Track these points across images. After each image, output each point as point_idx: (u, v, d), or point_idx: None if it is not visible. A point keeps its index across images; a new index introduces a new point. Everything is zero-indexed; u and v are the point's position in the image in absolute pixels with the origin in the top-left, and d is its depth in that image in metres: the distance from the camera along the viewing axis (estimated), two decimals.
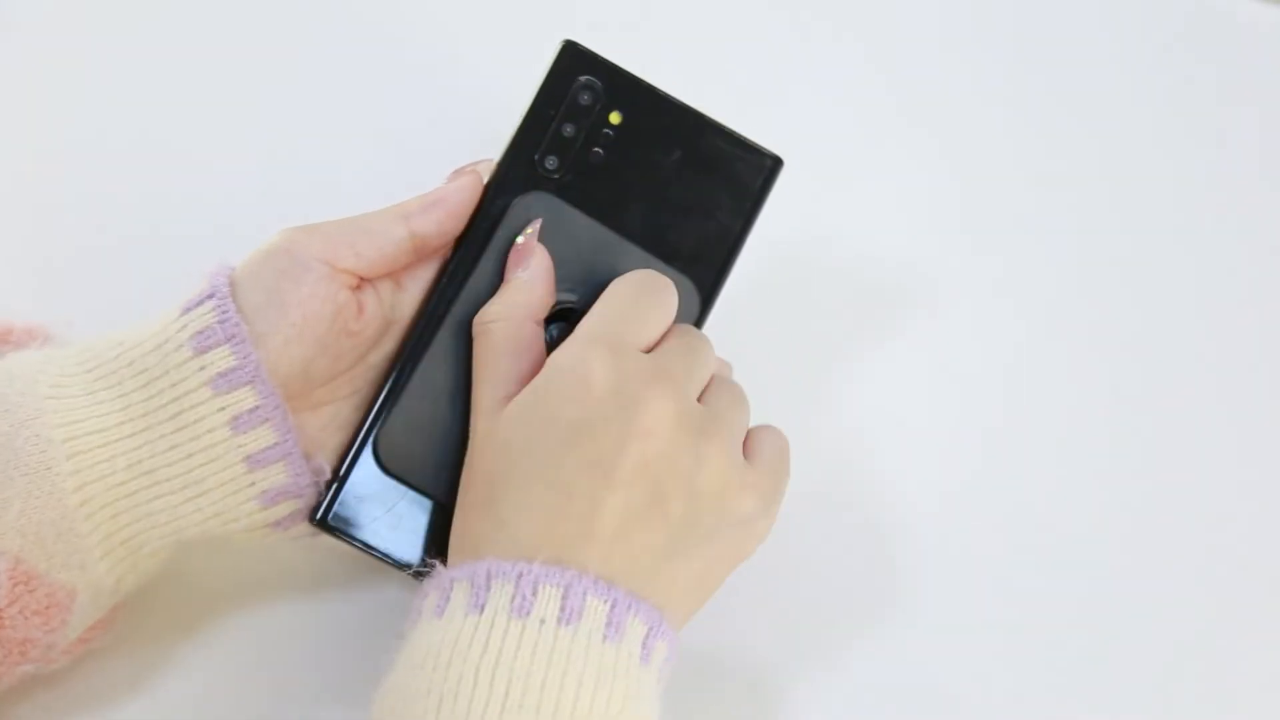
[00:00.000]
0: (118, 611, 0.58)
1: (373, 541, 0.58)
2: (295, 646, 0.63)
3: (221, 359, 0.55)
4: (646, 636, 0.52)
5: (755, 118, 0.61)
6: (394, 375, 0.59)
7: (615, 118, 0.60)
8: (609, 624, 0.51)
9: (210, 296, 0.56)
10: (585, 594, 0.51)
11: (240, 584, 0.64)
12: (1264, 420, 0.70)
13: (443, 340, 0.59)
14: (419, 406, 0.58)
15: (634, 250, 0.60)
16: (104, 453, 0.54)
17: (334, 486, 0.58)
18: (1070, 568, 0.66)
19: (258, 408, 0.55)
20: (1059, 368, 0.71)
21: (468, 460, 0.56)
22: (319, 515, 0.58)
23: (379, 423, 0.58)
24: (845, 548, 0.66)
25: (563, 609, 0.50)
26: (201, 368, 0.55)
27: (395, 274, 0.59)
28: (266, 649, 0.63)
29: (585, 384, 0.54)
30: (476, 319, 0.58)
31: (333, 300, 0.56)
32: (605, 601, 0.51)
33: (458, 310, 0.59)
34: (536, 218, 0.59)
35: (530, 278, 0.58)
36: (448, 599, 0.52)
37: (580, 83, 0.60)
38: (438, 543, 0.58)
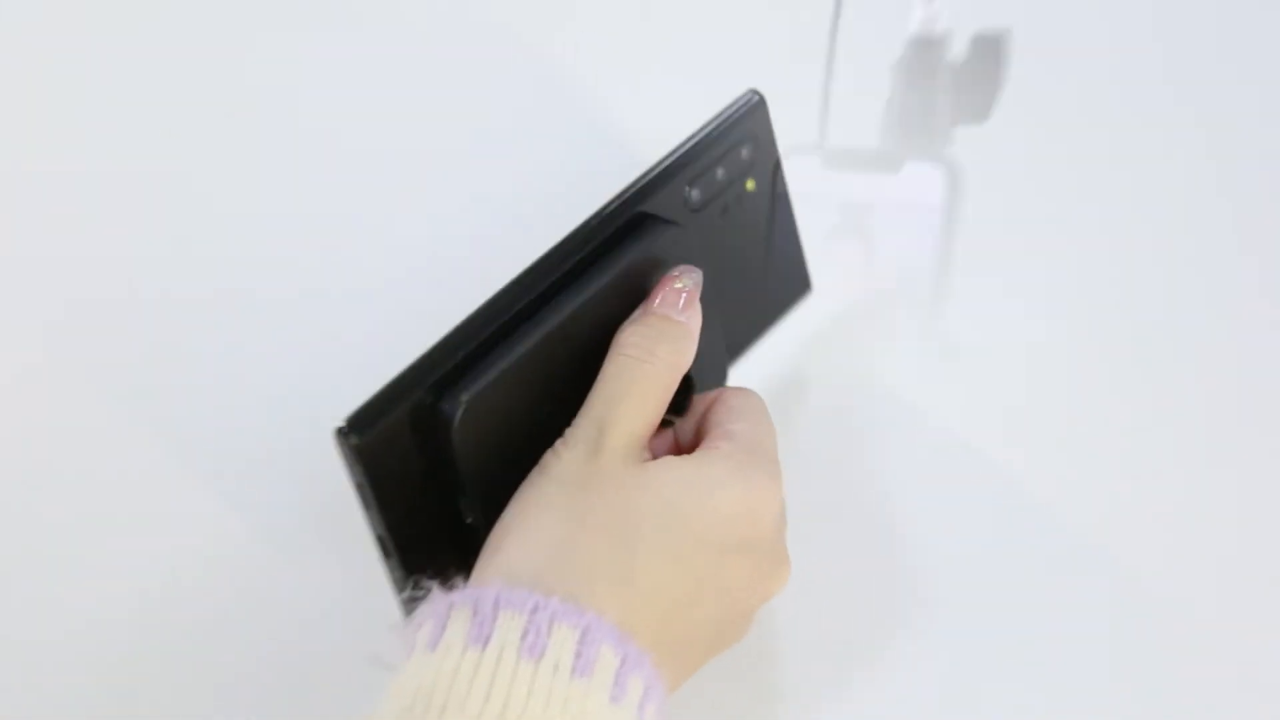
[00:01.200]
0: None
1: (378, 492, 0.50)
2: (294, 658, 0.63)
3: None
4: (643, 698, 0.46)
5: None
6: (493, 333, 0.52)
7: (750, 185, 0.59)
8: (615, 682, 0.45)
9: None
10: (601, 643, 0.45)
11: (240, 597, 0.64)
12: (1267, 420, 0.70)
13: (555, 330, 0.52)
14: (512, 388, 0.51)
15: (712, 319, 0.56)
16: None
17: (385, 408, 0.49)
18: (1073, 568, 0.66)
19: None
20: (1060, 368, 0.71)
21: (551, 473, 0.50)
22: (349, 428, 0.49)
23: (469, 374, 0.50)
24: (847, 546, 0.66)
25: (577, 656, 0.44)
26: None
27: None
28: (267, 660, 0.63)
29: (757, 513, 0.51)
30: (641, 344, 0.52)
31: None
32: (617, 655, 0.45)
33: (572, 309, 0.53)
34: (695, 269, 0.55)
35: (695, 331, 0.53)
36: (444, 627, 0.45)
37: (747, 136, 0.58)
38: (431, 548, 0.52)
